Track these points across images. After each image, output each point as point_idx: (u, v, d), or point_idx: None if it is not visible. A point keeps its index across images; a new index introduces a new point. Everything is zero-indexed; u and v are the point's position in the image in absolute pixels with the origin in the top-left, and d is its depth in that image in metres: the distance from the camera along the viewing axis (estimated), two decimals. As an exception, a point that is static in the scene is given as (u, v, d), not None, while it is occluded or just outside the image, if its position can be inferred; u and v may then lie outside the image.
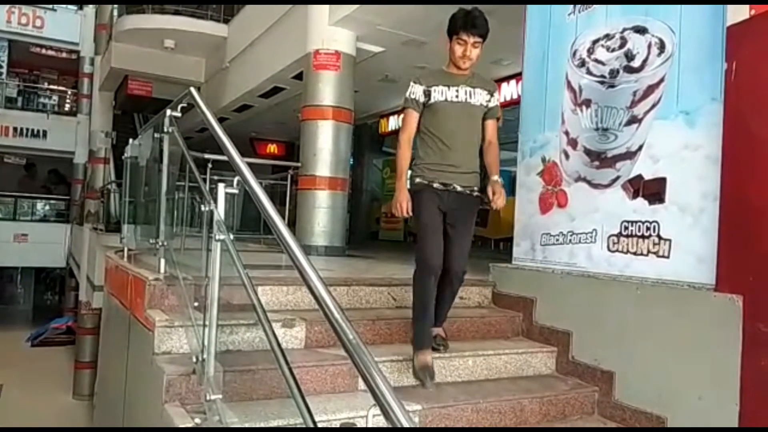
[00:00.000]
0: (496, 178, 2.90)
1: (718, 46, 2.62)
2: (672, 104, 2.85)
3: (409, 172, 2.98)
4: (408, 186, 2.92)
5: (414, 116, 2.91)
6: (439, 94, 2.87)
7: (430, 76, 2.93)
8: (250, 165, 2.08)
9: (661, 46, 2.93)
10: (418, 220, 2.88)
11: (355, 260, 5.87)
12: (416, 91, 2.90)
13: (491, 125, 3.00)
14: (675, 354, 2.67)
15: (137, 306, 3.10)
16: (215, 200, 2.22)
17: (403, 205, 2.82)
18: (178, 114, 3.26)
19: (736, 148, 2.49)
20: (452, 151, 2.85)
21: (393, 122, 11.43)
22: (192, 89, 3.03)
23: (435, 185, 2.85)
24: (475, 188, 2.93)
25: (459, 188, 2.87)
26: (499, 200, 2.84)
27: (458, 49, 2.82)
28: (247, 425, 2.20)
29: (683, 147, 2.77)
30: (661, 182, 2.85)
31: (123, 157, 5.16)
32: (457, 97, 2.87)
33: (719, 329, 2.47)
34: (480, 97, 2.91)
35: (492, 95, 2.96)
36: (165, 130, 3.31)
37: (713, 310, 2.51)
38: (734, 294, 2.42)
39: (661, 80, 2.91)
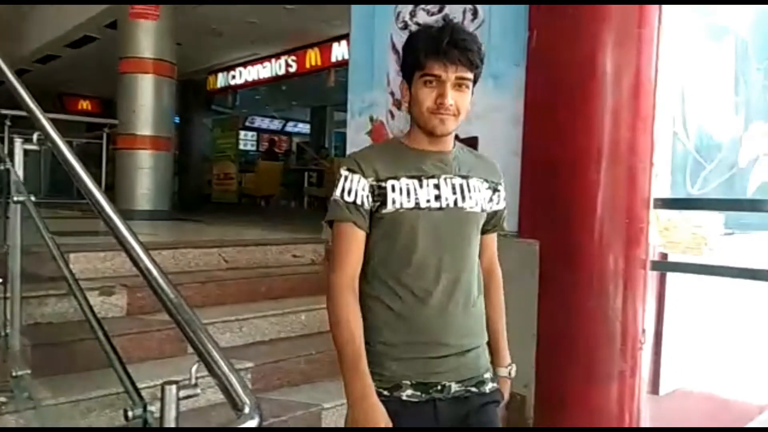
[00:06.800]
0: (504, 372, 1.64)
1: (522, 15, 2.87)
2: (483, 69, 3.08)
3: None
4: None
5: (357, 237, 1.41)
6: (402, 194, 1.41)
7: (381, 158, 1.45)
8: (57, 122, 1.89)
9: (474, 12, 3.14)
10: None
11: (184, 224, 5.64)
12: (356, 186, 1.40)
13: (490, 244, 1.63)
14: (486, 296, 2.96)
15: None
16: (11, 158, 1.99)
17: None
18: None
19: (535, 110, 2.78)
20: (434, 310, 1.42)
21: (222, 79, 10.96)
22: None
23: (405, 392, 1.40)
24: (487, 377, 1.51)
25: (456, 387, 1.44)
26: None
27: (427, 96, 1.39)
28: (62, 399, 2.06)
29: (492, 109, 3.01)
30: (473, 141, 3.09)
31: None
32: (438, 198, 1.43)
33: (522, 271, 2.79)
34: (478, 193, 1.48)
35: (496, 189, 1.56)
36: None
37: (518, 254, 2.81)
38: (533, 239, 2.74)
39: (474, 45, 3.13)
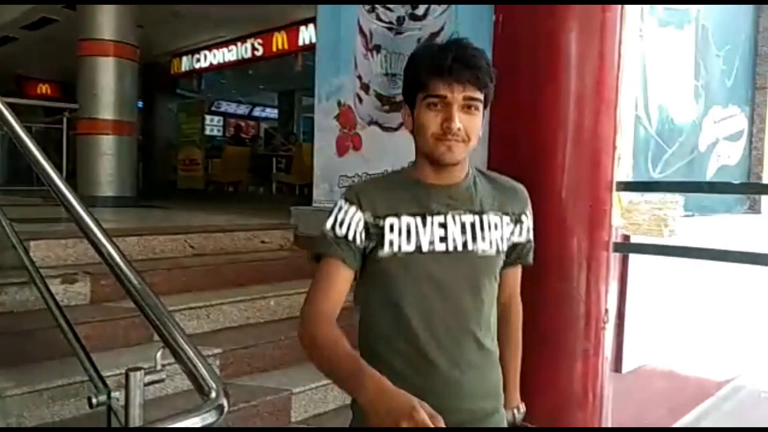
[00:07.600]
0: (509, 415, 1.47)
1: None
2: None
3: None
4: None
5: (343, 276, 1.24)
6: (401, 236, 1.24)
7: (382, 192, 1.29)
8: (15, 106, 1.83)
9: (442, -3, 3.14)
10: None
11: (149, 210, 5.54)
12: (349, 219, 1.25)
13: (511, 278, 1.44)
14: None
15: None
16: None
17: (419, 416, 0.90)
18: None
19: (501, 95, 2.78)
20: (442, 370, 1.25)
21: (186, 62, 10.73)
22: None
23: None
24: None
25: None
26: None
27: (431, 120, 1.21)
28: (25, 389, 2.02)
29: (460, 92, 3.02)
30: (442, 125, 3.11)
31: None
32: (443, 240, 1.25)
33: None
34: (494, 232, 1.29)
35: (519, 221, 1.35)
36: None
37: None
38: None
39: (442, 29, 3.13)
